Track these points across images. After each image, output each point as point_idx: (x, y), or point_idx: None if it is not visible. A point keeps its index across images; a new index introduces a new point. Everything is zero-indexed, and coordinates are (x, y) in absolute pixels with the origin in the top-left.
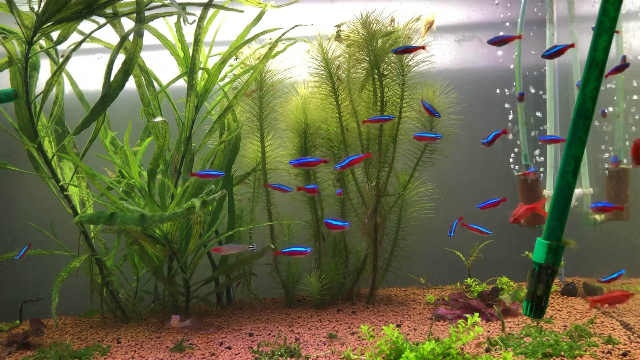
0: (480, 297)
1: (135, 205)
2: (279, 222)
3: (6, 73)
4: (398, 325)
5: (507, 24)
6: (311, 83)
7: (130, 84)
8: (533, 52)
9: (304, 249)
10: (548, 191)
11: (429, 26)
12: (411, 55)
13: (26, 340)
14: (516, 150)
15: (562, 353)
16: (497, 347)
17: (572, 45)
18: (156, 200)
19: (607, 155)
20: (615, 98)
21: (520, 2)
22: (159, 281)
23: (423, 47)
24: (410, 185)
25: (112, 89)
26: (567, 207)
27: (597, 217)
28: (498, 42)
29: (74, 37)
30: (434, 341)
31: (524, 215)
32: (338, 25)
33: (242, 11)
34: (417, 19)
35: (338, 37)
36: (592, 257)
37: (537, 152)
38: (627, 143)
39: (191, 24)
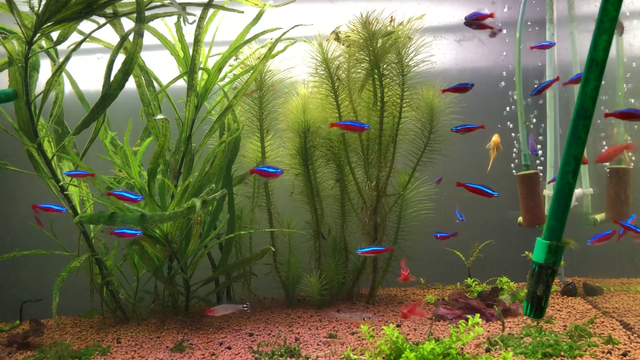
0: (480, 297)
1: (135, 205)
2: (279, 229)
3: (6, 73)
4: (398, 325)
5: (501, 24)
6: (311, 83)
7: (130, 84)
8: (533, 52)
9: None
10: (548, 191)
11: None
12: (411, 55)
13: (26, 340)
14: (515, 150)
15: (562, 353)
16: (497, 347)
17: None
18: (156, 200)
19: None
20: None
21: (520, 2)
22: (159, 281)
23: (482, 127)
24: (410, 185)
25: (112, 89)
26: (567, 207)
27: (597, 217)
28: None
29: (74, 37)
30: (434, 341)
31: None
32: (333, 31)
33: (242, 12)
34: (419, 18)
35: (337, 38)
36: (592, 257)
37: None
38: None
39: (191, 24)
